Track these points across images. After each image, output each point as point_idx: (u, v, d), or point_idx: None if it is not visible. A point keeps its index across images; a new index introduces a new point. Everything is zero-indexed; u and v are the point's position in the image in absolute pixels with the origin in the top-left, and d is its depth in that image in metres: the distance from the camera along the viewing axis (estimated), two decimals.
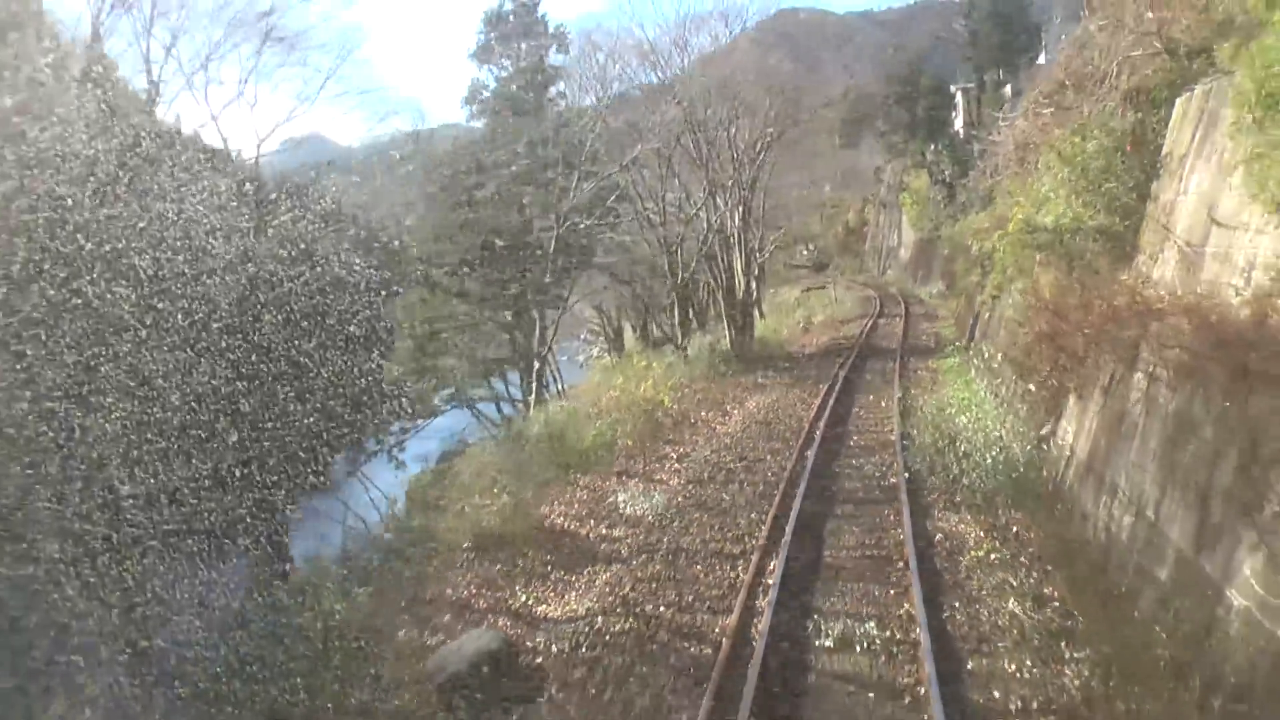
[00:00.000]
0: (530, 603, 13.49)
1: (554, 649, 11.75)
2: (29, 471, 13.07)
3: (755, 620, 11.61)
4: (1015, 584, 12.13)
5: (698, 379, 27.57)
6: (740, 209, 38.04)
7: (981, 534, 14.11)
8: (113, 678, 12.73)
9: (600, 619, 12.36)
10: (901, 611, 11.60)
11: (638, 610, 12.54)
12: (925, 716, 8.86)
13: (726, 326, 35.81)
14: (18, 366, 13.04)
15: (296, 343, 16.00)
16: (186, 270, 14.73)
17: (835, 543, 14.46)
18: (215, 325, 15.04)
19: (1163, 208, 14.40)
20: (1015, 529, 14.19)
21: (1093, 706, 8.80)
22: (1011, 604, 11.44)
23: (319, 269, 16.65)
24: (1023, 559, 12.97)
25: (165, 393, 14.19)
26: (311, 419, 15.87)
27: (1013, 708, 8.97)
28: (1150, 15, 17.82)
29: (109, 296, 13.45)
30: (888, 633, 10.98)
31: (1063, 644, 10.26)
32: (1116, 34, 19.99)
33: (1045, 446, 16.22)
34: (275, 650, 12.50)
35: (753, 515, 16.03)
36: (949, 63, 68.03)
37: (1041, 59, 48.71)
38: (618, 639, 11.69)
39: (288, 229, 16.29)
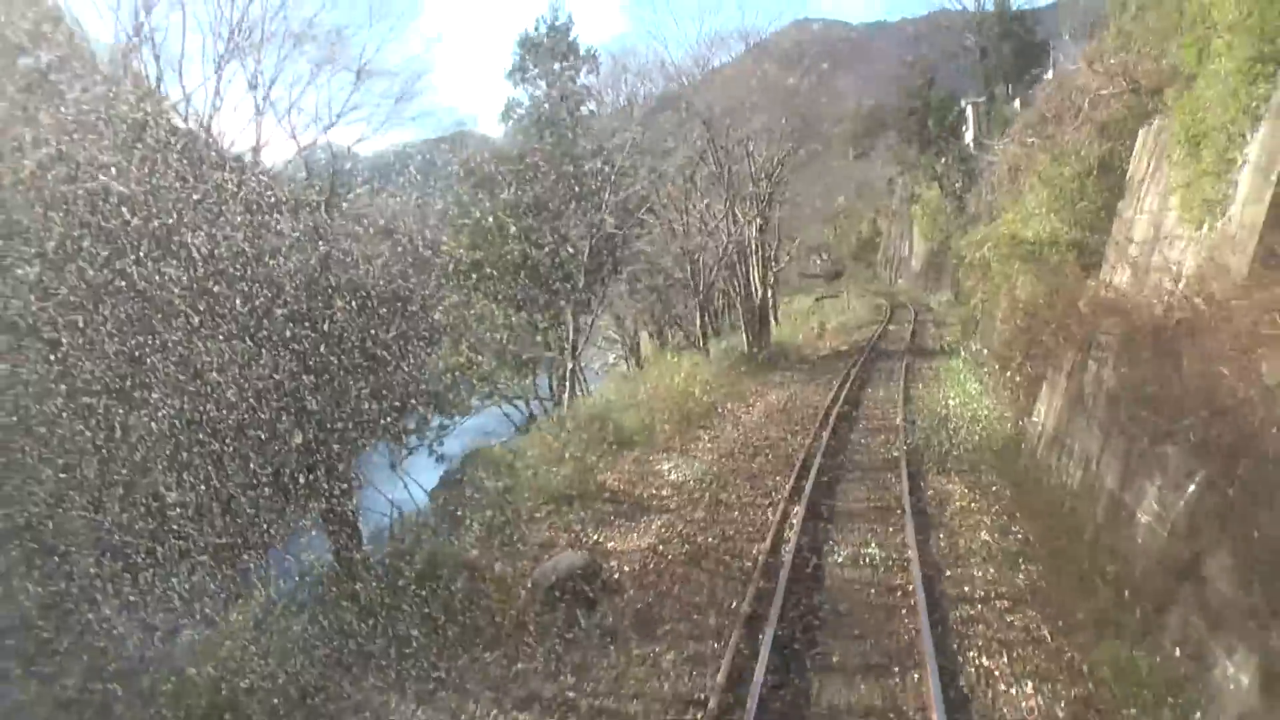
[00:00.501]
0: (601, 540, 15.58)
1: (626, 568, 14.22)
2: (63, 475, 11.56)
3: (783, 545, 14.45)
4: (988, 523, 15.09)
5: (721, 377, 29.93)
6: (758, 221, 40.38)
7: (965, 490, 16.96)
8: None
9: (660, 547, 14.95)
10: (897, 540, 14.54)
11: (690, 541, 15.21)
12: (912, 601, 11.84)
13: (745, 332, 37.87)
14: (52, 357, 11.42)
15: (374, 333, 14.07)
16: (247, 249, 12.96)
17: (846, 497, 17.35)
18: (279, 312, 13.21)
19: (1124, 224, 17.39)
20: (994, 487, 16.87)
21: (1034, 595, 11.89)
22: (983, 535, 14.55)
23: (401, 249, 14.69)
24: (996, 508, 15.83)
25: (220, 388, 12.64)
26: (389, 419, 14.16)
27: (975, 596, 12.10)
28: (1113, 61, 21.83)
29: (157, 278, 12.10)
30: (885, 553, 13.92)
31: (1019, 559, 13.20)
32: (1090, 73, 23.63)
33: (1023, 425, 18.57)
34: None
35: (777, 478, 18.75)
36: (961, 75, 68.04)
37: (1050, 74, 47.66)
38: (676, 559, 14.40)
39: (364, 203, 14.44)
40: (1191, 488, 9.59)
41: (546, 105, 34.92)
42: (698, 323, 38.85)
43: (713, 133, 35.38)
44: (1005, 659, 10.33)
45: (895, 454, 20.01)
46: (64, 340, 11.78)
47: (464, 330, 20.62)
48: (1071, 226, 20.89)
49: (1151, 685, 8.73)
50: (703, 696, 9.76)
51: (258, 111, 21.51)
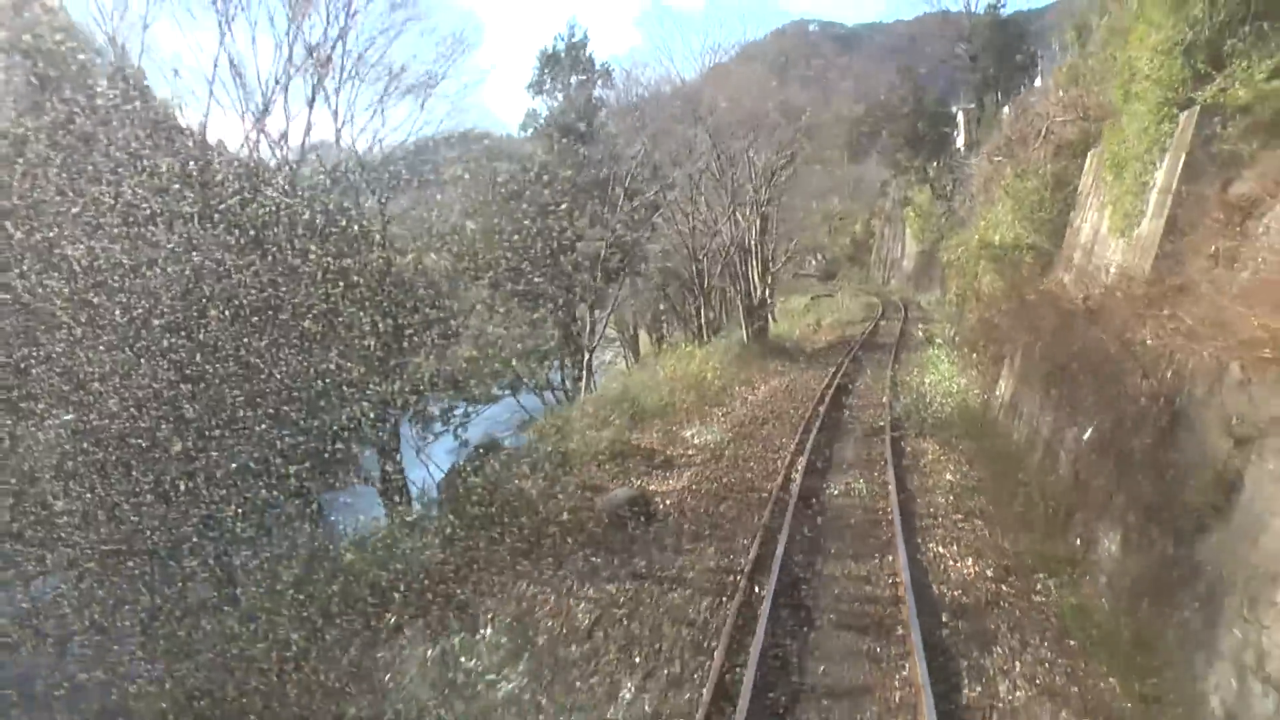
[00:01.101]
0: (644, 484, 18.50)
1: (668, 502, 17.27)
2: None
3: (790, 483, 17.69)
4: (952, 469, 18.33)
5: (727, 365, 32.56)
6: (757, 223, 42.67)
7: (937, 448, 20.00)
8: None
9: (694, 487, 18.08)
10: (880, 480, 17.82)
11: (716, 482, 18.39)
12: (889, 517, 15.22)
13: (745, 327, 40.15)
14: None
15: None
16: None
17: (840, 454, 20.52)
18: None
19: (1074, 232, 20.75)
20: (960, 445, 19.86)
21: (981, 513, 15.21)
22: (947, 476, 17.85)
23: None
24: (960, 459, 18.94)
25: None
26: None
27: (936, 513, 15.47)
28: (1065, 94, 26.17)
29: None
30: (871, 488, 17.32)
31: (973, 491, 16.57)
32: (1048, 102, 28.07)
33: (988, 398, 21.76)
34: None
35: (783, 440, 21.81)
36: (955, 81, 67.92)
37: (1038, 82, 47.94)
38: (707, 494, 17.58)
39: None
40: (1090, 430, 13.10)
41: (570, 115, 37.30)
42: (702, 318, 41.96)
43: (715, 142, 37.26)
44: (955, 548, 13.83)
45: (881, 423, 23.10)
46: None
47: (483, 325, 23.42)
48: (1032, 233, 24.09)
49: (1055, 560, 12.49)
50: (738, 571, 13.15)
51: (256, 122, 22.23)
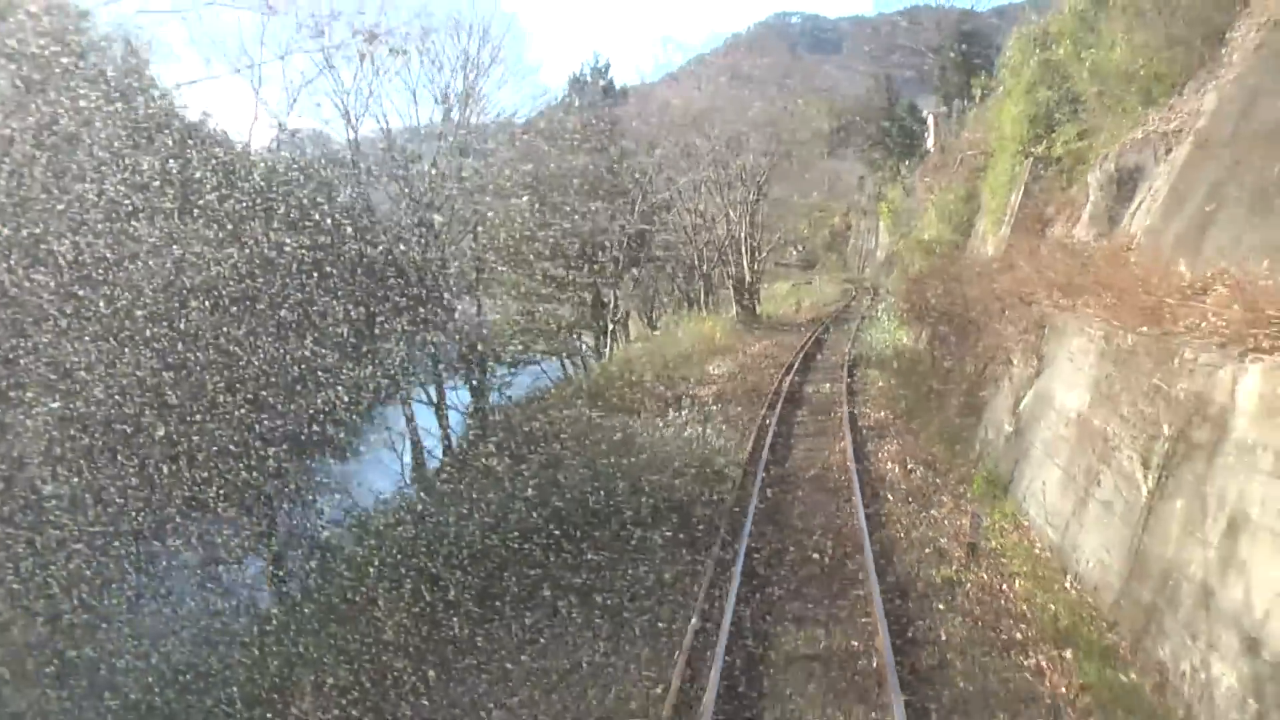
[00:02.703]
0: (684, 392, 25.99)
1: (706, 398, 24.84)
2: None
3: (782, 387, 26.87)
4: (882, 383, 26.94)
5: (728, 333, 41.01)
6: (747, 218, 50.48)
7: (877, 372, 28.73)
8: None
9: (721, 393, 26.52)
10: (839, 385, 27.46)
11: (735, 390, 27.27)
12: (840, 399, 25.01)
13: (735, 304, 48.62)
14: None
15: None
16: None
17: (814, 376, 30.78)
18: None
19: (976, 232, 29.32)
20: (888, 368, 28.37)
21: (890, 395, 24.58)
22: (879, 384, 26.94)
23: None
24: (886, 374, 27.69)
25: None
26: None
27: (866, 398, 25.20)
28: (969, 135, 37.21)
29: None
30: (833, 388, 27.42)
31: (889, 387, 25.72)
32: (960, 141, 38.92)
33: (911, 342, 28.54)
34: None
35: (775, 370, 30.82)
36: (927, 84, 69.19)
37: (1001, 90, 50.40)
38: (730, 396, 26.13)
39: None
40: (943, 330, 21.43)
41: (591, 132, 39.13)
42: (701, 297, 51.02)
43: (715, 155, 45.54)
44: (872, 408, 24.26)
45: (842, 362, 32.38)
46: None
47: (521, 299, 31.93)
48: (950, 232, 32.87)
49: (922, 409, 21.32)
50: (759, 416, 22.90)
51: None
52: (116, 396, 13.11)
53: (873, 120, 69.48)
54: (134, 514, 13.74)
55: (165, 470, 13.67)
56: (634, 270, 41.63)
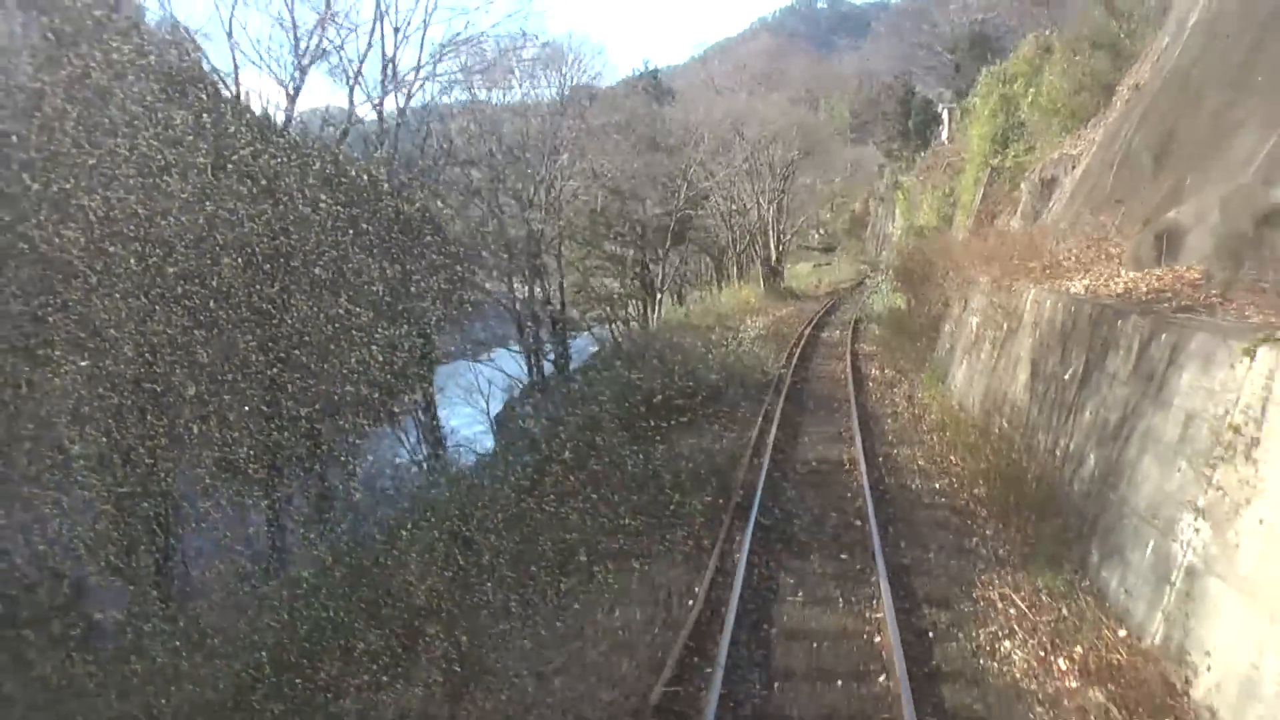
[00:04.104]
0: (732, 336, 27.86)
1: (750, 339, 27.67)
2: None
3: (804, 334, 31.66)
4: (876, 332, 30.50)
5: (759, 300, 44.73)
6: (774, 206, 55.78)
7: (876, 327, 31.90)
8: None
9: (759, 335, 30.22)
10: (845, 334, 32.05)
11: (770, 334, 31.31)
12: (847, 341, 30.29)
13: (762, 281, 52.04)
14: None
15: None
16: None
17: (827, 329, 35.39)
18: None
19: (954, 220, 34.81)
20: (884, 324, 31.45)
21: (884, 340, 28.45)
22: (876, 332, 30.62)
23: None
24: (882, 328, 30.70)
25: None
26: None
27: (867, 345, 29.24)
28: (951, 143, 46.95)
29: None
30: (841, 335, 32.65)
31: (888, 337, 28.02)
32: (946, 149, 45.11)
33: (904, 305, 29.98)
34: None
35: (798, 325, 35.12)
36: (945, 76, 69.37)
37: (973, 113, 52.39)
38: (768, 338, 30.24)
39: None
40: (911, 298, 27.68)
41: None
42: (734, 273, 54.59)
43: (752, 152, 50.88)
44: (867, 345, 28.95)
45: (849, 320, 36.09)
46: None
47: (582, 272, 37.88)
48: (936, 220, 38.16)
49: (902, 345, 25.26)
50: (789, 348, 28.03)
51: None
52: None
53: (891, 113, 71.28)
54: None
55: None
56: (680, 248, 46.93)
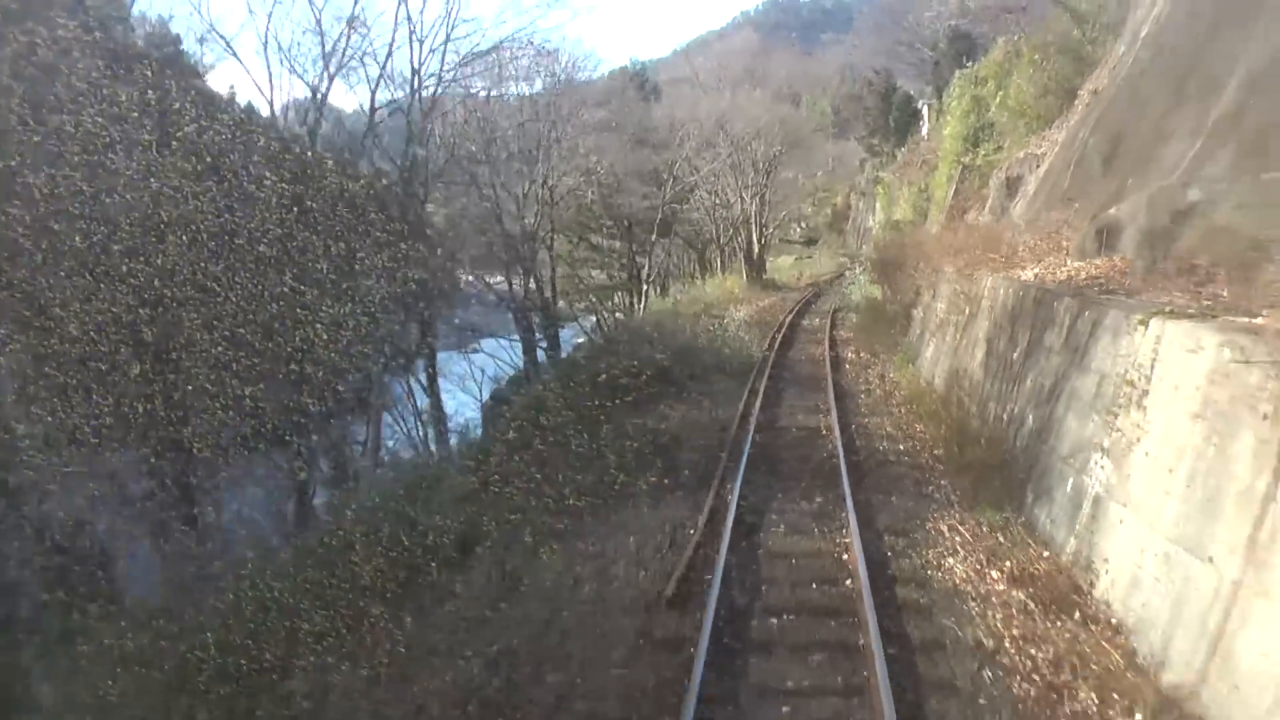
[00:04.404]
0: (718, 323, 28.86)
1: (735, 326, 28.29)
2: None
3: (785, 321, 31.43)
4: (854, 320, 31.03)
5: (743, 291, 45.34)
6: (757, 200, 56.06)
7: (855, 317, 31.84)
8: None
9: (750, 318, 31.82)
10: (824, 322, 31.56)
11: (754, 322, 31.46)
12: (826, 327, 29.95)
13: (745, 272, 52.89)
14: None
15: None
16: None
17: (808, 317, 35.18)
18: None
19: (929, 215, 34.45)
20: (860, 311, 32.35)
21: (858, 326, 29.19)
22: (853, 319, 31.15)
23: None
24: (860, 316, 31.14)
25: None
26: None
27: (844, 329, 29.76)
28: (927, 142, 47.62)
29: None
30: (820, 322, 32.34)
31: (863, 324, 28.76)
32: (921, 148, 46.98)
33: (879, 294, 30.47)
34: None
35: (780, 313, 35.04)
36: (925, 73, 69.82)
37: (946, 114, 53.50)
38: (752, 324, 30.51)
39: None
40: (886, 287, 28.92)
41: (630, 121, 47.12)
42: (718, 265, 57.03)
43: (731, 146, 51.07)
44: (844, 331, 28.94)
45: (829, 309, 36.31)
46: None
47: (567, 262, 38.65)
48: (912, 215, 38.75)
49: (877, 330, 25.45)
50: (771, 334, 27.71)
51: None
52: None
53: (873, 109, 71.43)
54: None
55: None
56: (664, 241, 48.17)
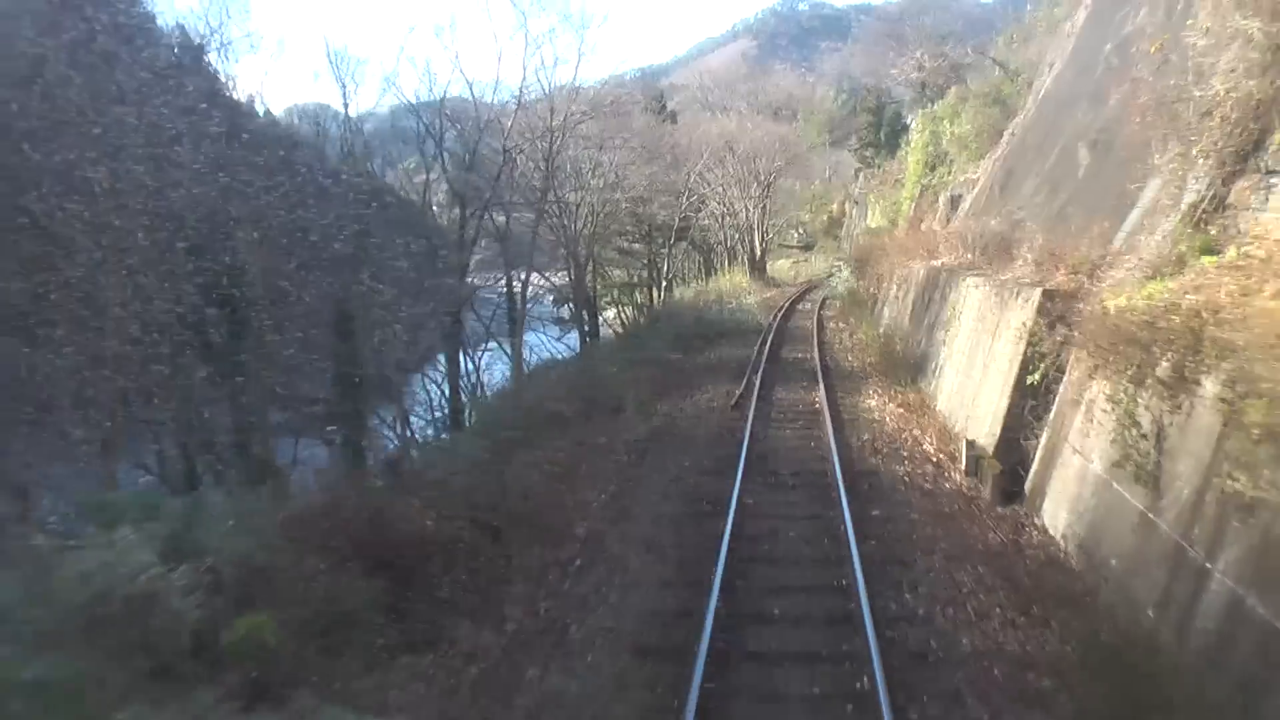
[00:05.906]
0: (735, 303, 36.20)
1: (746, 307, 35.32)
2: None
3: (783, 306, 37.42)
4: (838, 306, 36.25)
5: (748, 285, 51.06)
6: (759, 208, 63.31)
7: (838, 305, 36.29)
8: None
9: (757, 304, 38.74)
10: (815, 308, 36.08)
11: (763, 304, 38.69)
12: (815, 313, 33.90)
13: (747, 272, 58.09)
14: None
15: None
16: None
17: (803, 303, 40.82)
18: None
19: (898, 224, 39.01)
20: (846, 303, 35.59)
21: (841, 310, 34.81)
22: (837, 306, 36.27)
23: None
24: (844, 305, 35.50)
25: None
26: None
27: (830, 314, 34.86)
28: (896, 165, 49.93)
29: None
30: (811, 307, 37.61)
31: (845, 311, 33.89)
32: (894, 166, 51.43)
33: (859, 286, 34.87)
34: None
35: (783, 301, 40.01)
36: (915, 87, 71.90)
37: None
38: (760, 307, 37.52)
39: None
40: (870, 277, 30.09)
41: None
42: (724, 266, 61.01)
43: (741, 165, 58.39)
44: (830, 312, 34.85)
45: (820, 299, 41.21)
46: None
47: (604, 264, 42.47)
48: (887, 222, 43.57)
49: (855, 313, 30.96)
50: (772, 314, 34.39)
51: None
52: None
53: (865, 124, 77.25)
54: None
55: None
56: (681, 244, 54.81)
